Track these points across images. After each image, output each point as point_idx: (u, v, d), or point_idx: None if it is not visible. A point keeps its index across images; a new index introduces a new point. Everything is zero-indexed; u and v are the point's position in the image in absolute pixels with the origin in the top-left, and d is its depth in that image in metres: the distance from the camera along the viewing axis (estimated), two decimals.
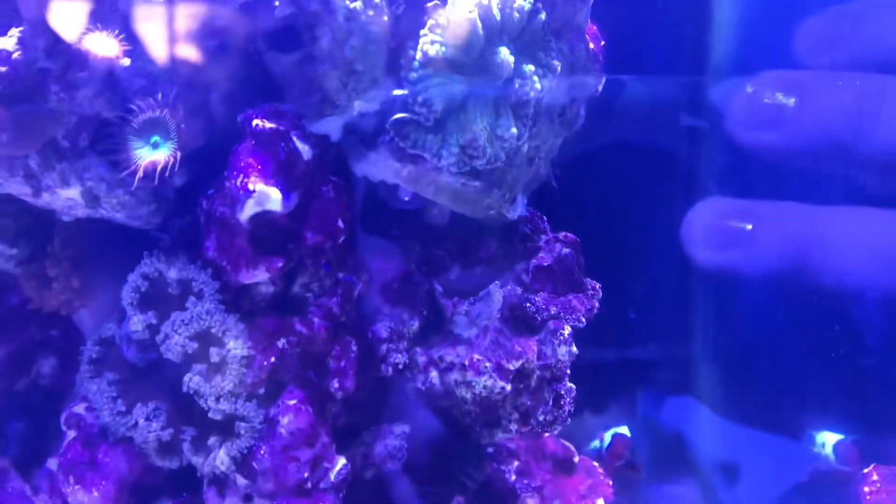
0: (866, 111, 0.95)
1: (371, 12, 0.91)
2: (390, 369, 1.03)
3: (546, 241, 1.11)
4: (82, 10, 0.88)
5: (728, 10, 1.20)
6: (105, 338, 1.00)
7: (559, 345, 1.05)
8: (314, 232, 0.96)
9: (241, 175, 0.91)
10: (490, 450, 1.22)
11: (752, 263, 0.99)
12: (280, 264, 0.94)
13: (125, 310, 0.97)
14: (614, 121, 1.21)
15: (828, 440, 1.29)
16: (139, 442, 0.96)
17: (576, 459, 1.37)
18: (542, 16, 0.97)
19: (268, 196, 0.91)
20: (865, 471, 1.43)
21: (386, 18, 0.92)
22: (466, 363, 1.03)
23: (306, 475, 0.95)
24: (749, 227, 0.98)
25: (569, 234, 1.12)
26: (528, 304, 1.07)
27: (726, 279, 1.04)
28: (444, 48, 0.91)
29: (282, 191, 0.91)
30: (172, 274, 0.95)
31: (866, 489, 1.40)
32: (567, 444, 1.37)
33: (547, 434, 1.37)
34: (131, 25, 0.90)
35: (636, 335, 1.38)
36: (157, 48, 0.91)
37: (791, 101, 0.97)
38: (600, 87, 1.16)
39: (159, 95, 0.90)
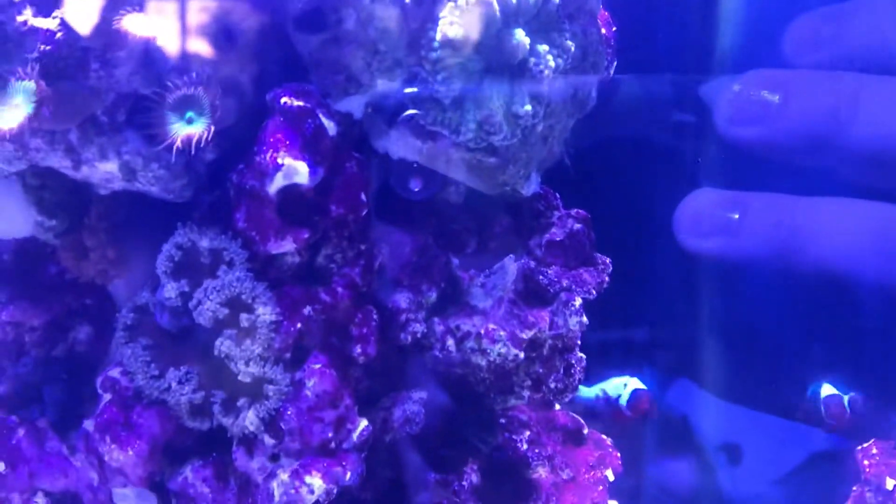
0: (845, 108, 1.01)
1: None
2: (409, 338, 1.08)
3: (559, 218, 1.16)
4: None
5: (727, 10, 1.25)
6: (139, 305, 1.05)
7: (570, 315, 1.09)
8: (338, 205, 1.00)
9: (271, 150, 0.96)
10: (502, 420, 1.27)
11: (738, 250, 1.06)
12: (306, 235, 0.99)
13: (159, 278, 1.02)
14: (611, 114, 1.26)
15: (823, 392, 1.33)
16: (172, 404, 1.01)
17: (585, 431, 1.41)
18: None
19: (296, 170, 0.96)
20: (865, 445, 1.48)
21: (408, 0, 0.96)
22: (482, 332, 1.08)
23: (331, 435, 1.00)
24: (735, 216, 1.06)
25: (580, 211, 1.17)
26: (541, 277, 1.12)
27: (715, 265, 1.11)
28: (462, 29, 0.96)
29: (308, 165, 0.96)
30: (204, 244, 1.00)
31: (866, 462, 1.45)
32: (577, 416, 1.42)
33: (558, 407, 1.43)
34: (166, 7, 0.95)
35: (630, 317, 1.44)
36: (191, 29, 0.96)
37: (775, 99, 1.04)
38: (611, 71, 1.20)
39: (194, 74, 0.94)
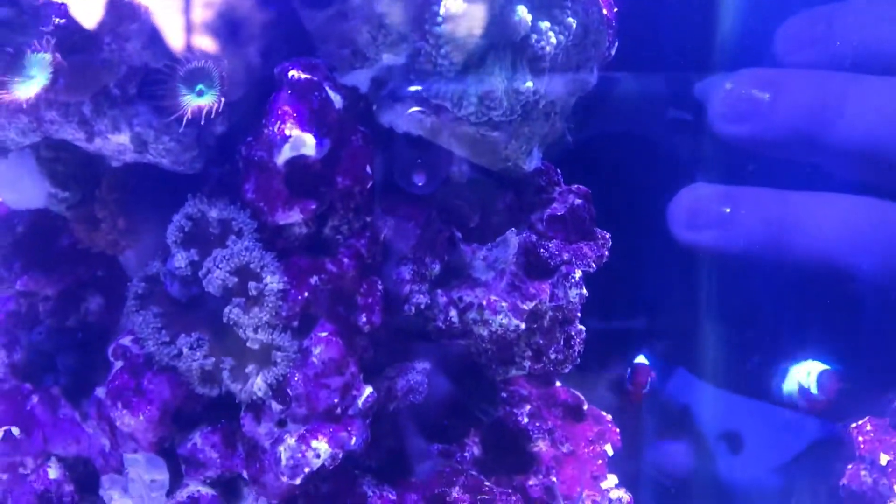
0: (832, 106, 1.06)
1: None
2: (413, 309, 1.11)
3: (560, 193, 1.18)
4: None
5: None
6: (150, 275, 1.07)
7: (570, 287, 1.12)
8: (344, 176, 1.03)
9: (279, 122, 0.98)
10: (504, 394, 1.30)
11: (729, 243, 1.11)
12: (313, 206, 1.02)
13: (169, 248, 1.05)
14: (607, 111, 1.29)
15: (812, 370, 1.35)
16: (182, 370, 1.03)
17: (585, 407, 1.44)
18: None
19: (303, 141, 0.98)
20: (860, 422, 1.50)
21: None
22: (484, 303, 1.10)
23: (336, 401, 1.03)
24: (727, 210, 1.11)
25: (581, 187, 1.19)
26: (542, 250, 1.14)
27: (707, 256, 1.16)
28: (465, 4, 0.98)
29: (315, 137, 0.99)
30: (214, 214, 1.03)
31: (860, 439, 1.48)
32: (577, 392, 1.45)
33: (558, 384, 1.45)
34: None
35: (624, 305, 1.47)
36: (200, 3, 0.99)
37: (765, 97, 1.09)
38: (613, 51, 1.23)
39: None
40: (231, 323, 1.01)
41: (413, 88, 1.02)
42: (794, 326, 1.38)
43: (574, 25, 1.07)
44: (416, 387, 1.13)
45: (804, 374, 1.34)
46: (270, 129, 0.98)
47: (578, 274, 1.12)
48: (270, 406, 1.03)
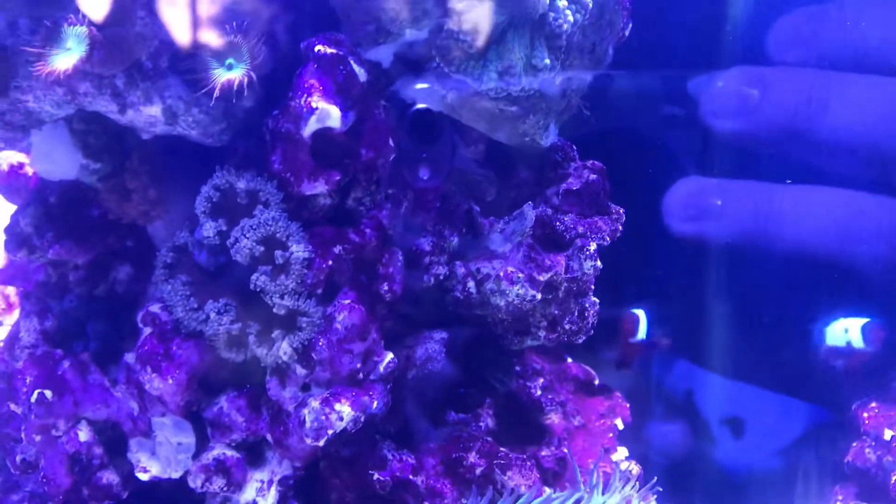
0: (817, 103, 1.12)
1: None
2: (432, 279, 1.14)
3: (575, 168, 1.21)
4: None
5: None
6: (178, 245, 1.11)
7: (585, 259, 1.15)
8: (368, 149, 1.06)
9: (305, 94, 1.02)
10: (518, 368, 1.33)
11: (720, 233, 1.18)
12: (338, 177, 1.05)
13: (197, 220, 1.08)
14: (608, 108, 1.33)
15: (850, 325, 1.38)
16: (209, 335, 1.07)
17: (596, 382, 1.47)
18: None
19: (328, 113, 1.01)
20: (865, 399, 1.53)
21: None
22: (501, 274, 1.14)
23: (359, 366, 1.06)
24: (719, 202, 1.18)
25: (596, 162, 1.22)
26: (557, 224, 1.18)
27: (700, 245, 1.23)
28: None
29: (340, 109, 1.02)
30: (241, 185, 1.06)
31: (865, 415, 1.50)
32: (588, 368, 1.48)
33: (569, 360, 1.49)
34: None
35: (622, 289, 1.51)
36: None
37: (755, 94, 1.15)
38: (627, 33, 1.26)
39: (233, 23, 1.00)
40: (258, 290, 1.05)
41: (435, 63, 1.05)
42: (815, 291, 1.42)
43: (590, 5, 1.10)
44: (433, 356, 1.16)
45: (842, 331, 1.38)
46: (297, 101, 1.02)
47: (593, 246, 1.15)
48: (295, 370, 1.06)
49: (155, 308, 1.11)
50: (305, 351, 1.05)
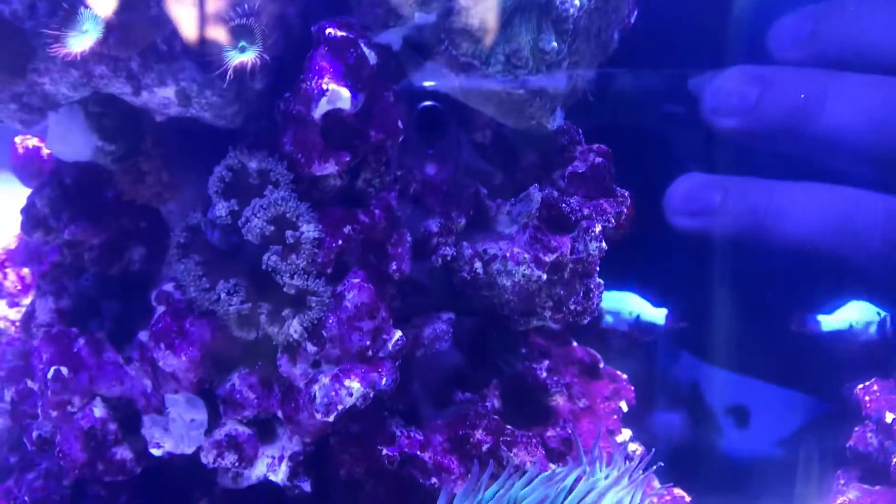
0: (814, 101, 1.14)
1: None
2: (440, 260, 1.16)
3: (581, 152, 1.23)
4: None
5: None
6: (191, 225, 1.13)
7: (590, 241, 1.17)
8: (377, 131, 1.08)
9: (316, 77, 1.04)
10: (523, 350, 1.35)
11: (720, 228, 1.21)
12: (348, 158, 1.07)
13: (209, 201, 1.10)
14: (608, 103, 1.35)
15: (851, 313, 1.41)
16: (221, 314, 1.09)
17: (601, 366, 1.49)
18: None
19: (339, 95, 1.03)
20: (867, 383, 1.55)
21: None
22: (507, 255, 1.16)
23: (368, 343, 1.08)
24: (718, 198, 1.21)
25: (601, 146, 1.24)
26: (563, 206, 1.19)
27: (700, 239, 1.25)
28: None
29: (350, 91, 1.04)
30: (253, 165, 1.08)
31: (867, 398, 1.52)
32: (593, 351, 1.50)
33: (575, 344, 1.51)
34: None
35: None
36: None
37: (753, 92, 1.17)
38: (632, 20, 1.28)
39: (246, 5, 1.02)
40: (269, 269, 1.07)
41: (444, 46, 1.07)
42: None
43: None
44: (441, 335, 1.18)
45: (843, 319, 1.41)
46: (308, 83, 1.04)
47: (598, 228, 1.17)
48: (306, 348, 1.08)
49: (168, 287, 1.13)
50: (315, 329, 1.07)
